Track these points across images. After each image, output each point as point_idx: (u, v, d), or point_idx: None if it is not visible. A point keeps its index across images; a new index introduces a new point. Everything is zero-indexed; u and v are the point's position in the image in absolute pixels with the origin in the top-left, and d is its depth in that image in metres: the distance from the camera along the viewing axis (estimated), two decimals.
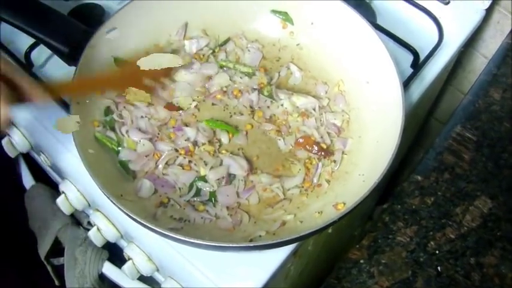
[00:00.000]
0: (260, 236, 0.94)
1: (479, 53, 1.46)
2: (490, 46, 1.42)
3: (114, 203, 0.87)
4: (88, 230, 1.13)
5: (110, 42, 1.03)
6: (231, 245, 0.85)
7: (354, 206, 0.86)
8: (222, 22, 1.16)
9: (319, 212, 0.96)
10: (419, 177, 1.02)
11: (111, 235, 1.09)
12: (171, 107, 1.06)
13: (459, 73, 1.53)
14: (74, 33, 1.02)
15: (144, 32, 1.11)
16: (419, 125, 1.70)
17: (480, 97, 1.12)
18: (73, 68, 0.98)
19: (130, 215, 0.85)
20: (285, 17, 1.15)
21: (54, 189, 1.23)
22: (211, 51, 1.14)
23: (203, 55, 1.14)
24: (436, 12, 1.26)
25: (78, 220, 1.22)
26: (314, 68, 1.14)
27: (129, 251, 1.04)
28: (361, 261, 0.94)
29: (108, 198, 0.87)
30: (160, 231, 0.84)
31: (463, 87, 1.55)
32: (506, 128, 1.08)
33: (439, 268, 0.93)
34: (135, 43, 1.10)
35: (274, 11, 1.15)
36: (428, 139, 1.73)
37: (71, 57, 1.02)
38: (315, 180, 1.01)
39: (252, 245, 0.86)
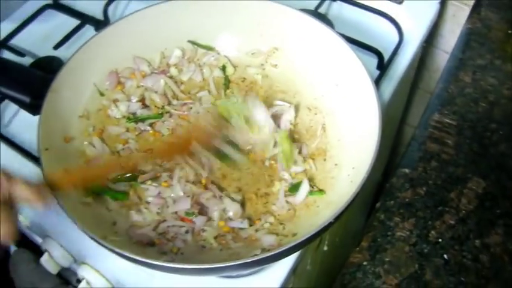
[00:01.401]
0: (256, 255, 0.90)
1: (440, 50, 1.47)
2: (450, 41, 1.42)
3: (102, 244, 0.83)
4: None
5: (72, 85, 1.00)
6: (233, 264, 0.79)
7: (348, 203, 0.83)
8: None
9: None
10: (406, 170, 1.00)
11: (102, 287, 1.04)
12: None
13: (425, 74, 1.54)
14: (34, 81, 1.01)
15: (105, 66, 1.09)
16: (394, 133, 1.70)
17: (451, 82, 1.11)
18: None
19: (122, 252, 0.81)
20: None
21: (36, 253, 1.18)
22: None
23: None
24: (392, 12, 1.27)
25: (66, 279, 1.17)
26: (280, 82, 1.13)
27: None
28: (364, 263, 0.91)
29: (94, 240, 0.83)
30: (159, 264, 0.80)
31: (430, 88, 1.55)
32: (483, 107, 1.07)
33: (445, 256, 0.90)
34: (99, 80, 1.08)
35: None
36: (405, 147, 1.73)
37: (34, 106, 0.99)
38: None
39: (255, 259, 0.81)
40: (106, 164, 1.00)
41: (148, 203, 0.97)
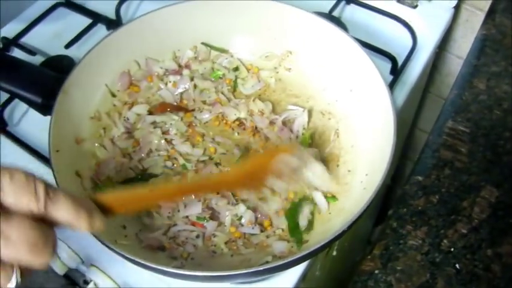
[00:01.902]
0: (267, 262, 0.90)
1: (453, 55, 1.46)
2: (462, 46, 1.42)
3: (111, 248, 0.82)
4: None
5: (83, 86, 1.00)
6: (244, 272, 0.79)
7: (361, 211, 0.82)
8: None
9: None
10: (420, 178, 0.99)
11: None
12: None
13: (436, 78, 1.53)
14: (45, 81, 0.99)
15: (117, 67, 1.08)
16: (405, 136, 1.69)
17: (466, 89, 1.10)
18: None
19: (132, 258, 0.80)
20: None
21: None
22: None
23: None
24: (406, 17, 1.26)
25: (73, 280, 1.17)
26: (294, 86, 1.12)
27: None
28: (376, 271, 0.90)
29: (104, 244, 0.82)
30: (169, 270, 0.79)
31: (442, 93, 1.54)
32: (497, 115, 1.06)
33: (457, 265, 0.90)
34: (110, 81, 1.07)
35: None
36: (415, 151, 1.72)
37: (45, 106, 0.98)
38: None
39: (266, 267, 0.80)
40: (162, 190, 0.82)
41: (159, 207, 0.96)
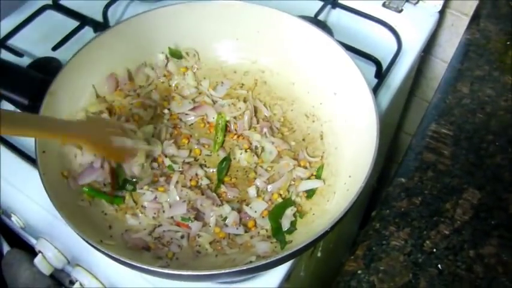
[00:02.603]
0: (251, 261, 0.90)
1: (438, 59, 1.48)
2: (447, 50, 1.43)
3: (97, 248, 0.82)
4: None
5: (70, 88, 1.00)
6: (228, 271, 0.79)
7: (344, 212, 0.83)
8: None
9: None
10: (403, 179, 1.00)
11: None
12: None
13: (422, 82, 1.54)
14: (32, 83, 1.00)
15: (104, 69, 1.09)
16: (390, 139, 1.70)
17: (449, 93, 1.11)
18: None
19: (118, 257, 0.81)
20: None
21: (30, 253, 1.18)
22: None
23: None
24: (391, 21, 1.28)
25: (59, 281, 1.17)
26: (279, 89, 1.13)
27: None
28: (359, 271, 0.91)
29: (90, 244, 0.83)
30: (154, 269, 0.79)
31: (427, 96, 1.56)
32: (480, 118, 1.07)
33: (439, 266, 0.90)
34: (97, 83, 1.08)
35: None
36: (401, 154, 1.73)
37: (32, 108, 0.99)
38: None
39: (250, 266, 0.81)
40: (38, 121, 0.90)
41: (144, 207, 0.97)
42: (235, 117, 1.07)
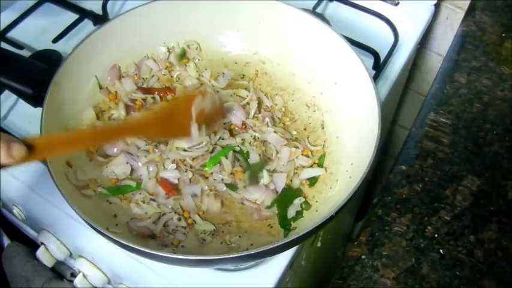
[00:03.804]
0: (251, 244, 0.92)
1: (433, 52, 1.50)
2: (442, 44, 1.45)
3: (104, 235, 0.83)
4: (72, 281, 1.08)
5: (74, 78, 1.01)
6: (232, 256, 0.80)
7: (348, 197, 0.84)
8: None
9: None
10: (403, 167, 1.02)
11: (98, 280, 1.05)
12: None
13: (417, 75, 1.56)
14: (36, 73, 1.00)
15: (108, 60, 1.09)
16: (385, 133, 1.72)
17: (447, 83, 1.13)
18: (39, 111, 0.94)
19: (126, 243, 0.81)
20: None
21: (30, 246, 1.18)
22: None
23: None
24: (388, 14, 1.29)
25: (60, 274, 1.17)
26: (280, 80, 1.14)
27: None
28: (363, 256, 0.92)
29: (97, 231, 0.83)
30: (161, 254, 0.80)
31: (422, 90, 1.57)
32: (477, 108, 1.09)
33: (441, 251, 0.92)
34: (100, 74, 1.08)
35: None
36: (396, 147, 1.75)
37: (36, 98, 0.99)
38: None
39: (252, 252, 0.81)
40: (89, 132, 0.92)
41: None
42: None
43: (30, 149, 0.71)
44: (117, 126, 0.95)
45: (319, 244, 1.23)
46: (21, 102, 1.05)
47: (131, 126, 0.95)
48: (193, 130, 0.95)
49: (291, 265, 1.00)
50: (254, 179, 0.99)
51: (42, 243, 1.08)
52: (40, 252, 1.08)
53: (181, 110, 0.96)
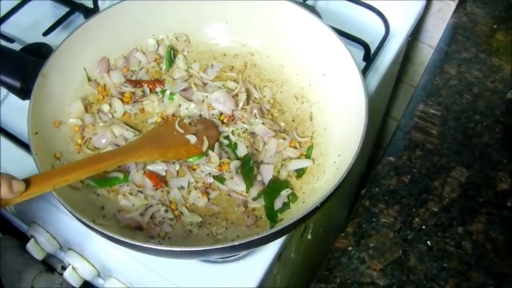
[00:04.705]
0: (238, 236, 0.93)
1: (425, 45, 1.49)
2: (434, 36, 1.45)
3: (90, 227, 0.83)
4: (62, 274, 1.09)
5: (62, 70, 1.01)
6: (218, 247, 0.80)
7: (334, 188, 0.84)
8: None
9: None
10: (391, 158, 1.02)
11: (87, 273, 1.05)
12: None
13: (409, 68, 1.56)
14: (24, 66, 1.00)
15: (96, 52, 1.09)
16: (378, 125, 1.71)
17: (437, 75, 1.13)
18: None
19: (112, 235, 0.81)
20: None
21: (22, 240, 1.18)
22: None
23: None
24: (379, 6, 1.29)
25: (51, 266, 1.17)
26: (268, 71, 1.14)
27: (108, 285, 1.02)
28: (349, 248, 0.92)
29: (83, 223, 0.83)
30: (147, 246, 0.80)
31: (414, 82, 1.57)
32: (467, 99, 1.09)
33: (428, 243, 0.92)
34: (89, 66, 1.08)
35: None
36: (388, 139, 1.74)
37: (24, 90, 0.99)
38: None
39: (239, 242, 0.81)
40: (89, 162, 0.92)
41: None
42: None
43: (29, 184, 0.79)
44: (113, 153, 0.96)
45: (309, 236, 1.23)
46: (12, 95, 1.05)
47: (127, 150, 0.97)
48: (191, 139, 0.99)
49: (279, 257, 1.00)
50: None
51: (32, 236, 1.08)
52: (30, 245, 1.08)
53: (170, 127, 1.01)
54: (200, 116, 1.05)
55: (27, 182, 0.79)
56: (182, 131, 1.00)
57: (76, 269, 1.05)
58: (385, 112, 1.70)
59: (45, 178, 0.83)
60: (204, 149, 0.99)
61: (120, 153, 0.95)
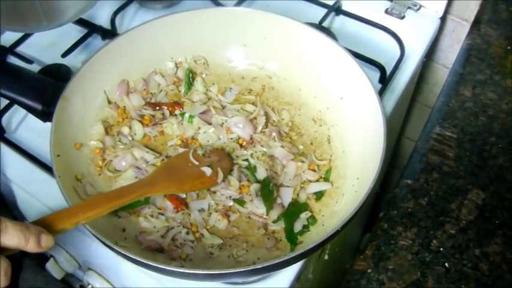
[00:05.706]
0: (258, 258, 0.93)
1: (439, 65, 1.50)
2: (449, 56, 1.46)
3: (113, 249, 0.84)
4: None
5: (83, 93, 1.02)
6: (240, 270, 0.81)
7: (354, 211, 0.85)
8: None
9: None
10: (409, 181, 1.03)
11: None
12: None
13: (424, 88, 1.57)
14: (45, 88, 1.02)
15: (116, 75, 1.11)
16: (393, 145, 1.72)
17: (452, 97, 1.14)
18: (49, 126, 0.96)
19: (135, 257, 0.82)
20: None
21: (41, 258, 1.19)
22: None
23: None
24: (394, 27, 1.30)
25: (70, 285, 1.18)
26: (286, 94, 1.15)
27: None
28: (368, 270, 0.93)
29: (106, 245, 0.84)
30: (169, 269, 0.81)
31: (429, 102, 1.58)
32: (482, 121, 1.10)
33: (446, 265, 0.92)
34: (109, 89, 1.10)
35: None
36: (403, 159, 1.75)
37: (45, 113, 1.01)
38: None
39: (260, 266, 0.82)
40: (109, 197, 0.92)
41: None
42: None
43: (52, 225, 0.78)
44: (132, 188, 0.95)
45: (326, 257, 1.23)
46: (31, 116, 1.07)
47: (145, 184, 0.97)
48: (206, 171, 1.00)
49: (298, 278, 1.01)
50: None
51: (51, 256, 1.09)
52: (49, 265, 1.09)
53: (184, 159, 1.02)
54: (219, 138, 1.07)
55: (50, 220, 0.79)
56: (197, 163, 1.01)
57: None
58: (400, 132, 1.71)
59: (67, 216, 0.82)
60: (219, 181, 1.00)
61: (138, 188, 0.95)
